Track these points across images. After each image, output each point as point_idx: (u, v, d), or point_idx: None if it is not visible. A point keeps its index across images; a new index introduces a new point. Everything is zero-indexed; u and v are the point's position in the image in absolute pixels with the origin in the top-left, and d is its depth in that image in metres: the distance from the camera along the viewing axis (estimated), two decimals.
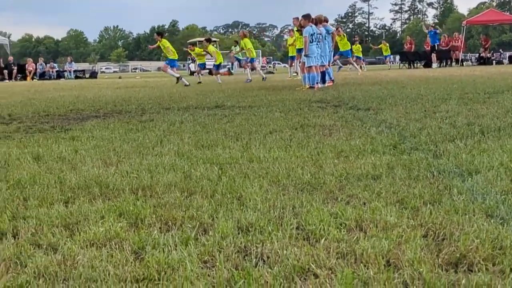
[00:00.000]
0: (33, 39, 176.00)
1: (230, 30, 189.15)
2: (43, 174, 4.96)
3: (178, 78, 24.99)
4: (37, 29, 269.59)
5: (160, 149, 6.18)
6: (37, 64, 47.83)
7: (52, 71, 47.84)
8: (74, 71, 49.02)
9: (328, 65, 19.42)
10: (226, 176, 4.69)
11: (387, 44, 45.93)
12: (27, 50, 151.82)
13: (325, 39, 18.57)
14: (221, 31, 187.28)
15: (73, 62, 52.29)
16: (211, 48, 28.04)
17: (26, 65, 46.21)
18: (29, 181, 4.69)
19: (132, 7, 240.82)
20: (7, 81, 42.13)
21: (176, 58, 26.38)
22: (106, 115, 10.61)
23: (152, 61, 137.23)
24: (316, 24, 18.22)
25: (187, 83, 23.67)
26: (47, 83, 31.28)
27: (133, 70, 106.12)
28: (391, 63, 49.31)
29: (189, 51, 30.16)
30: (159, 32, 26.19)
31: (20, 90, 22.13)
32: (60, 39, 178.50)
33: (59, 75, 47.72)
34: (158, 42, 25.38)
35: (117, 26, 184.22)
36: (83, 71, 53.08)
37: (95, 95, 16.95)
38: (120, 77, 44.13)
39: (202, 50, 28.87)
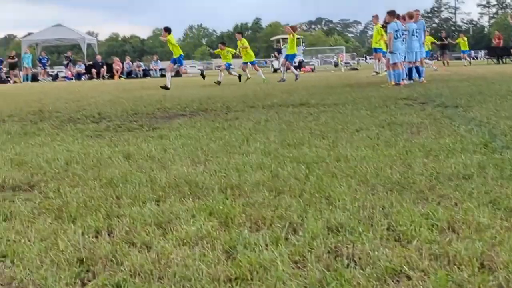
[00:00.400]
0: (120, 38, 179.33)
1: (313, 26, 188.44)
2: (134, 173, 5.07)
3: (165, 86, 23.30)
4: (124, 28, 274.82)
5: (247, 148, 6.23)
6: (124, 63, 48.76)
7: (139, 70, 48.68)
8: (160, 69, 49.71)
9: (420, 62, 19.14)
10: (313, 175, 4.70)
11: (465, 39, 44.34)
12: (113, 49, 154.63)
13: (414, 35, 18.33)
14: (304, 27, 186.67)
15: (158, 61, 53.07)
16: (245, 42, 27.46)
17: (113, 64, 47.17)
18: (121, 179, 4.80)
19: (216, 6, 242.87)
20: (95, 79, 43.13)
21: (182, 54, 24.74)
22: (192, 114, 10.75)
23: (235, 58, 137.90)
24: (404, 19, 18.04)
25: (168, 85, 22.15)
26: (134, 82, 31.89)
27: (216, 68, 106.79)
28: (471, 58, 47.66)
29: (219, 50, 28.71)
30: (166, 27, 24.31)
31: (108, 89, 22.62)
32: (145, 38, 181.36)
33: (145, 73, 48.52)
34: (165, 37, 24.06)
35: (201, 24, 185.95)
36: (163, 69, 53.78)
37: (181, 93, 17.19)
38: (204, 77, 44.53)
39: (240, 46, 27.64)
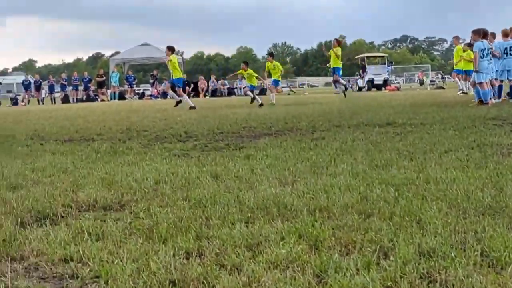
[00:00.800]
0: (205, 56, 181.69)
1: (398, 44, 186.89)
2: (222, 194, 5.10)
3: (178, 102, 23.67)
4: (209, 46, 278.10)
5: (334, 169, 6.20)
6: (209, 81, 49.32)
7: (223, 88, 49.18)
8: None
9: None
10: (403, 198, 4.63)
11: None
12: (198, 67, 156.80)
13: (508, 52, 18.05)
14: (389, 45, 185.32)
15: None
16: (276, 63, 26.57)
17: (199, 82, 47.77)
18: (210, 200, 4.84)
19: (300, 24, 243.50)
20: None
21: (182, 77, 24.89)
22: (278, 133, 10.77)
23: (320, 76, 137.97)
24: (494, 37, 17.82)
25: (192, 104, 22.69)
26: (219, 100, 32.27)
27: (300, 86, 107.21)
28: None
29: (242, 71, 26.85)
30: (170, 46, 24.37)
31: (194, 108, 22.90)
32: (230, 56, 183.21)
33: (230, 91, 48.97)
34: (168, 57, 24.12)
35: (285, 42, 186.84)
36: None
37: (266, 112, 17.26)
38: (288, 94, 44.66)
39: (270, 67, 26.27)
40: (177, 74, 23.72)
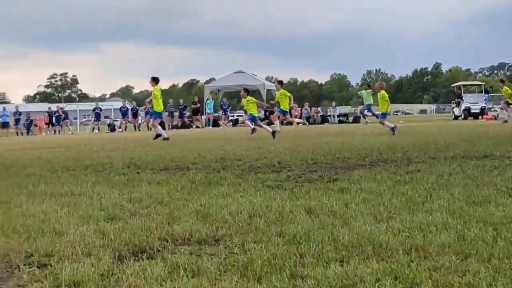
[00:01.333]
0: (298, 83, 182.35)
1: (495, 71, 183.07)
2: (317, 230, 5.07)
3: (157, 135, 23.20)
4: (302, 73, 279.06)
5: (430, 205, 6.09)
6: (302, 108, 49.39)
7: (316, 116, 49.16)
8: (337, 115, 50.03)
9: None
10: (502, 239, 4.51)
11: None
12: (292, 94, 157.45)
13: None
14: (486, 72, 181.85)
15: (337, 107, 53.43)
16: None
17: (292, 110, 47.87)
18: (304, 236, 4.82)
19: (395, 51, 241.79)
20: (273, 125, 43.94)
21: (161, 111, 24.59)
22: (372, 164, 10.68)
23: (415, 103, 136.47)
24: None
25: (166, 136, 22.63)
26: (312, 128, 32.24)
27: (394, 113, 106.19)
28: None
29: (243, 100, 25.43)
30: (154, 77, 23.92)
31: (287, 136, 22.99)
32: (323, 83, 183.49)
33: (323, 119, 48.92)
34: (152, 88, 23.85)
35: (379, 69, 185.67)
36: (346, 115, 54.04)
37: (360, 142, 17.14)
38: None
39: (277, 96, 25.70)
40: (157, 107, 23.73)
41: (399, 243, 4.51)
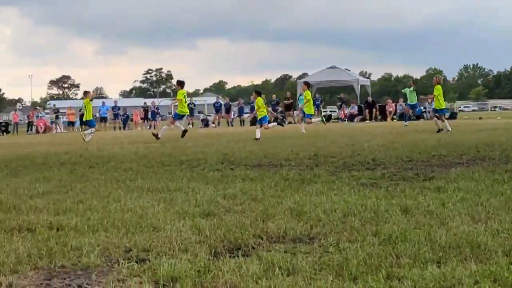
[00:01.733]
0: (393, 78, 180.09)
1: None
2: (413, 230, 5.01)
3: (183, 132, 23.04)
4: (397, 67, 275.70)
5: None
6: (397, 104, 48.74)
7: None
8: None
9: None
10: None
11: None
12: (386, 89, 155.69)
13: None
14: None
15: (433, 103, 52.50)
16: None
17: (386, 106, 47.33)
18: (400, 236, 4.76)
19: (493, 44, 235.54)
20: (367, 121, 43.59)
21: (185, 113, 24.70)
22: (469, 162, 10.46)
23: None
24: None
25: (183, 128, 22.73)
26: (408, 124, 31.72)
27: (492, 109, 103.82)
28: None
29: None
30: (179, 81, 23.94)
31: (381, 132, 22.74)
32: (419, 78, 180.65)
33: (418, 115, 48.11)
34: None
35: (477, 64, 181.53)
36: None
37: (457, 139, 16.81)
38: (480, 118, 43.23)
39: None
40: (182, 109, 23.75)
41: (498, 244, 4.40)
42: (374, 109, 46.54)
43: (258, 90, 26.55)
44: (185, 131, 23.27)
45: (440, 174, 8.76)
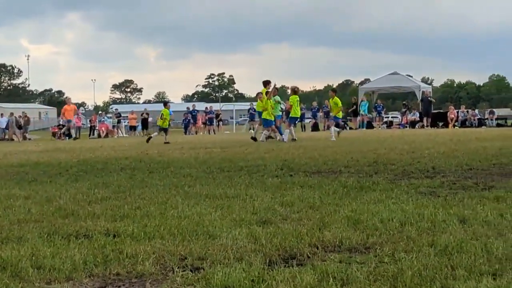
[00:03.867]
0: (455, 84, 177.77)
1: None
2: (469, 241, 4.96)
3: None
4: (460, 74, 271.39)
5: None
6: (459, 111, 48.12)
7: (474, 119, 47.71)
8: (496, 118, 48.40)
9: None
10: None
11: None
12: (448, 95, 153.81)
13: None
14: None
15: (494, 110, 51.70)
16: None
17: (448, 112, 46.76)
18: (456, 247, 4.73)
19: None
20: (428, 128, 43.14)
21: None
22: None
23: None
24: None
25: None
26: (468, 132, 31.31)
27: None
28: None
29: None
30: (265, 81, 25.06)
31: (442, 140, 22.47)
32: (481, 84, 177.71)
33: (480, 122, 47.42)
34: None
35: None
36: (505, 118, 52.07)
37: None
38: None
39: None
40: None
41: None
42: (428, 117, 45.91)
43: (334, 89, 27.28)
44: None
45: (500, 184, 8.65)
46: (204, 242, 5.25)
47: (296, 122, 26.65)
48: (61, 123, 49.94)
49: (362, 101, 49.19)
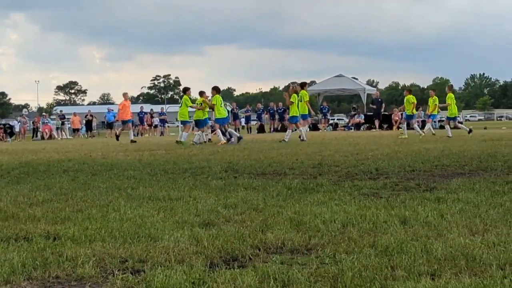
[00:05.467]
0: (400, 87, 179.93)
1: None
2: (410, 242, 5.02)
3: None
4: (404, 76, 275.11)
5: None
6: (403, 113, 48.68)
7: (418, 121, 48.26)
8: (439, 121, 49.06)
9: None
10: None
11: None
12: (393, 98, 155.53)
13: None
14: None
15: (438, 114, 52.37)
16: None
17: (393, 115, 47.27)
18: (396, 248, 4.78)
19: (500, 54, 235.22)
20: (374, 130, 43.52)
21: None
22: (471, 173, 10.47)
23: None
24: None
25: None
26: (412, 134, 31.66)
27: (498, 119, 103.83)
28: None
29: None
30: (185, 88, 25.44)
31: (386, 142, 22.69)
32: (425, 87, 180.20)
33: (424, 124, 47.99)
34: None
35: (483, 73, 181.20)
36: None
37: (460, 149, 16.77)
38: (485, 128, 43.21)
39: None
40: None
41: (493, 257, 4.41)
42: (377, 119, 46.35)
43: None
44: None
45: (441, 185, 8.78)
46: (146, 244, 5.21)
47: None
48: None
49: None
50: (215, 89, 24.92)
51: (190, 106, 25.34)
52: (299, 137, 25.19)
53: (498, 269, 4.14)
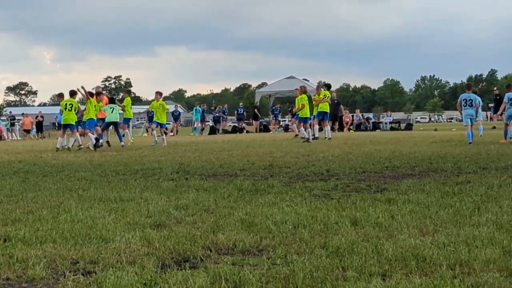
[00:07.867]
0: (351, 89, 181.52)
1: None
2: (361, 242, 5.06)
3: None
4: (355, 78, 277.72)
5: (478, 218, 6.02)
6: (354, 115, 49.11)
7: (368, 123, 48.78)
8: (390, 122, 49.58)
9: None
10: None
11: None
12: (344, 99, 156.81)
13: None
14: None
15: (391, 115, 53.01)
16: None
17: (344, 116, 47.61)
18: (348, 249, 4.81)
19: (450, 57, 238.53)
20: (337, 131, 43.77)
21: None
22: (421, 174, 10.59)
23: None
24: None
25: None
26: (363, 135, 31.97)
27: (448, 120, 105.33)
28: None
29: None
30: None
31: (337, 143, 22.86)
32: (376, 89, 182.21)
33: (375, 126, 48.51)
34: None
35: (433, 75, 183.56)
36: (399, 122, 53.41)
37: (411, 150, 16.94)
38: (435, 129, 43.71)
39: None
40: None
41: (443, 257, 4.47)
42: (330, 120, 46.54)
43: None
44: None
45: (392, 186, 8.86)
46: (97, 246, 5.16)
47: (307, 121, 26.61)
48: None
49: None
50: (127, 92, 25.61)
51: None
52: (296, 135, 25.47)
53: (448, 269, 4.19)
